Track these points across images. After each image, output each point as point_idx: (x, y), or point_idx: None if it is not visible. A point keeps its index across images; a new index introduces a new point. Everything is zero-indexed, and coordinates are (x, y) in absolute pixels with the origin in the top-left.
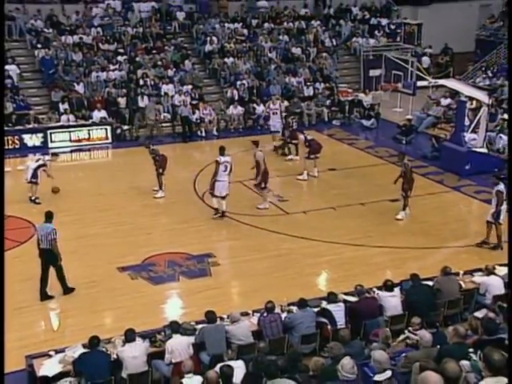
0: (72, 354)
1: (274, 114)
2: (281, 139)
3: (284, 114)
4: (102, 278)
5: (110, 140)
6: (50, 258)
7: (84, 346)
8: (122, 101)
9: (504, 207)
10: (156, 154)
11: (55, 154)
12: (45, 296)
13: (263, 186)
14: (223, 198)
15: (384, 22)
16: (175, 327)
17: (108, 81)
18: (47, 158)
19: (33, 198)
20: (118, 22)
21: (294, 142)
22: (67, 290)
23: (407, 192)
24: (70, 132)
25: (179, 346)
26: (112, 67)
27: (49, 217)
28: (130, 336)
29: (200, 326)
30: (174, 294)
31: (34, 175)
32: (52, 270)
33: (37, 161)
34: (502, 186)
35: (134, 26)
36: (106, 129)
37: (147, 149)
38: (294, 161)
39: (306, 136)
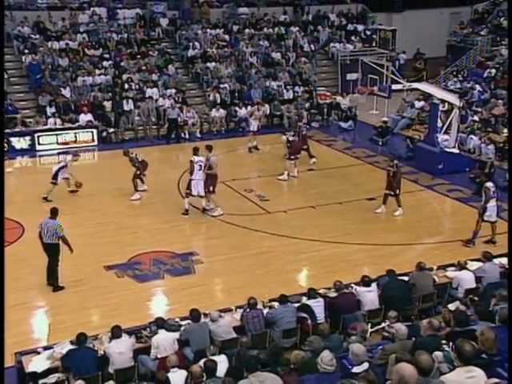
0: (60, 351)
1: (254, 119)
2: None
3: (295, 118)
4: (89, 276)
5: (96, 142)
6: (52, 251)
7: (72, 342)
8: (108, 104)
9: (492, 205)
10: (135, 162)
11: (76, 154)
12: (56, 287)
13: (212, 189)
14: (201, 196)
15: (360, 28)
16: (160, 323)
17: (94, 85)
18: (68, 158)
19: (45, 197)
20: (104, 28)
21: (303, 147)
22: (57, 288)
23: (396, 190)
24: (57, 135)
25: (164, 342)
26: (98, 72)
27: (53, 213)
28: (116, 332)
29: (185, 323)
30: (159, 291)
31: (55, 176)
32: (60, 261)
33: (59, 163)
34: (490, 183)
35: (118, 32)
36: (92, 132)
37: (126, 156)
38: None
39: (288, 137)
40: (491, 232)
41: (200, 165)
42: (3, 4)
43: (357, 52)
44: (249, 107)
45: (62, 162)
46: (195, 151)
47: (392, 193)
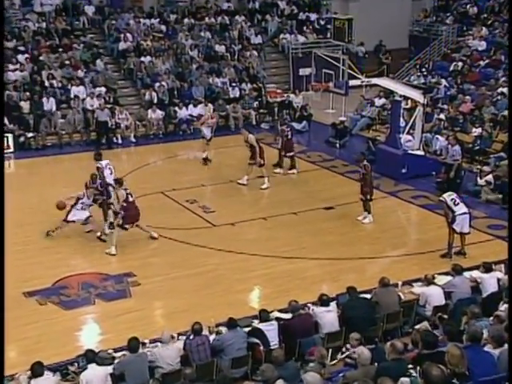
0: None
1: (207, 126)
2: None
3: (278, 122)
4: (5, 305)
5: (11, 149)
6: None
7: None
8: (25, 105)
9: (460, 215)
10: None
11: None
12: None
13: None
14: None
15: (313, 17)
16: (91, 357)
17: (8, 82)
18: None
19: None
20: (17, 15)
21: (288, 154)
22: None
23: (366, 195)
24: None
25: (95, 378)
26: (12, 67)
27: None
28: (37, 370)
29: (119, 354)
30: (90, 319)
31: None
32: None
33: None
34: (445, 195)
35: (36, 21)
36: (6, 137)
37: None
38: (288, 175)
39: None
40: (460, 243)
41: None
42: (3, 4)
43: (310, 44)
44: (196, 109)
45: None
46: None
47: (363, 197)
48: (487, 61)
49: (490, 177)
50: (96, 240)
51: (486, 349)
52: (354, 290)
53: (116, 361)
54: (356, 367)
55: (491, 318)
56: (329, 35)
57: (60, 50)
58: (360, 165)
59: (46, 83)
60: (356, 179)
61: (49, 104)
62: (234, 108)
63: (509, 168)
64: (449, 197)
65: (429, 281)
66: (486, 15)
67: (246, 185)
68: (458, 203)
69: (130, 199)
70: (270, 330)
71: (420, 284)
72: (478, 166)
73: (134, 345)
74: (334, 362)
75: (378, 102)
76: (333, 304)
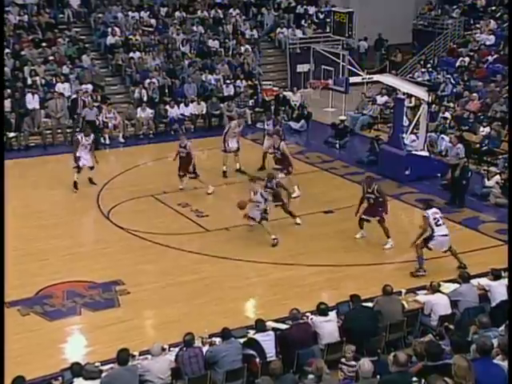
0: None
1: (233, 137)
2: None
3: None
4: None
5: None
6: None
7: None
8: (7, 103)
9: (439, 234)
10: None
11: None
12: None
13: None
14: None
15: (311, 10)
16: (77, 370)
17: None
18: None
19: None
20: None
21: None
22: None
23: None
24: None
25: None
26: None
27: None
28: None
29: (107, 367)
30: (75, 330)
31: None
32: None
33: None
34: (430, 211)
35: (17, 14)
36: None
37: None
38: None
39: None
40: (456, 259)
41: None
42: (3, 4)
43: (308, 39)
44: (188, 108)
45: None
46: None
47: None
48: (496, 56)
49: (497, 177)
50: (85, 245)
51: (495, 361)
52: (357, 298)
53: (104, 374)
54: (357, 380)
55: (501, 328)
56: (328, 29)
57: (43, 44)
58: (369, 190)
59: (29, 80)
60: (354, 181)
61: (32, 102)
62: (228, 106)
63: (509, 168)
64: (433, 214)
65: (434, 289)
66: (494, 7)
67: (298, 196)
68: (440, 224)
69: None
70: (267, 340)
71: (425, 292)
72: (485, 167)
73: (122, 357)
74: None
75: (380, 99)
76: (333, 313)
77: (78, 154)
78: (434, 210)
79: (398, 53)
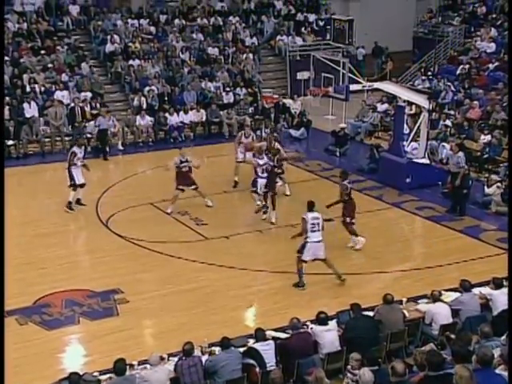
0: None
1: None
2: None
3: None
4: None
5: None
6: None
7: None
8: (5, 111)
9: (314, 240)
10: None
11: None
12: None
13: None
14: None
15: (311, 17)
16: (75, 380)
17: None
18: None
19: None
20: None
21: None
22: None
23: (346, 218)
24: None
25: None
26: None
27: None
28: None
29: (105, 377)
30: (74, 339)
31: None
32: None
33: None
34: (311, 214)
35: (16, 22)
36: None
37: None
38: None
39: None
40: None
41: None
42: (3, 4)
43: (308, 46)
44: (187, 115)
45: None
46: None
47: (343, 220)
48: (496, 63)
49: (498, 185)
50: (83, 254)
51: (497, 371)
52: (358, 307)
53: None
54: None
55: (503, 338)
56: (328, 37)
57: (42, 52)
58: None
59: (28, 88)
60: (355, 190)
61: (30, 110)
62: (228, 114)
63: (509, 171)
64: (312, 219)
65: (435, 297)
66: (495, 15)
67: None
68: (315, 230)
69: None
70: (267, 350)
71: (426, 301)
72: (486, 175)
73: (120, 367)
74: None
75: (381, 107)
76: (333, 322)
77: (73, 171)
78: (315, 214)
79: (389, 60)
